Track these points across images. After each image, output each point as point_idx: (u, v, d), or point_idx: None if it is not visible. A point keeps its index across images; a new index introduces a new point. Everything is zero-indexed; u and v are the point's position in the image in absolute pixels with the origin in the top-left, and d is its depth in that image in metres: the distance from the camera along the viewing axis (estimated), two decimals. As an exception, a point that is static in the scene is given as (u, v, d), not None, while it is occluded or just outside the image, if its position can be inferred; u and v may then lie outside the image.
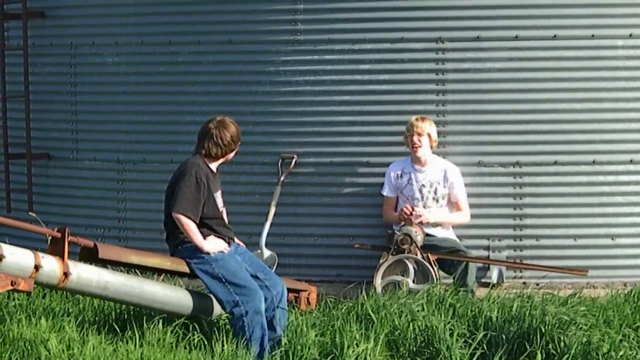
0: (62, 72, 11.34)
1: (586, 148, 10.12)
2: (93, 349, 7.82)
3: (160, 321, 8.31)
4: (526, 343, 7.90)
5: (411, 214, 9.65)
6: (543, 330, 7.91)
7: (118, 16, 11.00)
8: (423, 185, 9.88)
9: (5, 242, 7.64)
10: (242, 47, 10.51)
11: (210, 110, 9.95)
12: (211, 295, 8.56)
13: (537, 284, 9.94)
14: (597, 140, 10.12)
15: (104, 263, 8.32)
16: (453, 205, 9.95)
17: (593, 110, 10.12)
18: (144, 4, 10.92)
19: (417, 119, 9.83)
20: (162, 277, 9.06)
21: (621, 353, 7.57)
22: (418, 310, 8.48)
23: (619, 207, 10.15)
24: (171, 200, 8.47)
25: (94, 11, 11.15)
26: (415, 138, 9.77)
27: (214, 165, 8.67)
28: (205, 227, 8.48)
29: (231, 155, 8.75)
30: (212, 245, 8.46)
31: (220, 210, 8.71)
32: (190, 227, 8.37)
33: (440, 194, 9.90)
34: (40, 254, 7.69)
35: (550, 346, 7.80)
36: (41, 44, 11.46)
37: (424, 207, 9.88)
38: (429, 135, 9.82)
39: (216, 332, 8.38)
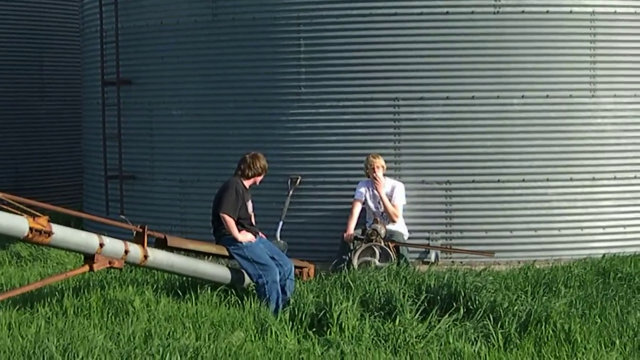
0: (143, 120, 11.35)
1: (493, 171, 10.09)
2: (164, 307, 7.91)
3: (209, 288, 8.40)
4: (453, 301, 7.90)
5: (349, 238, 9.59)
6: (464, 292, 7.94)
7: (181, 83, 10.99)
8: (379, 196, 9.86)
9: (104, 235, 7.75)
10: (264, 103, 10.47)
11: (243, 146, 9.91)
12: (243, 271, 8.55)
13: (461, 262, 9.93)
14: (500, 166, 10.09)
15: (171, 249, 8.34)
16: (394, 207, 9.82)
17: (498, 146, 10.10)
18: (200, 74, 10.86)
19: (373, 157, 9.78)
20: (210, 258, 8.97)
21: (516, 308, 7.57)
22: (382, 280, 8.46)
23: (515, 211, 10.11)
24: (218, 205, 8.45)
25: (164, 79, 11.14)
26: (376, 169, 9.73)
27: (246, 183, 8.65)
28: (239, 225, 8.48)
29: (259, 179, 8.72)
30: (244, 236, 8.46)
31: (250, 214, 8.68)
32: (231, 223, 8.37)
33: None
34: (128, 243, 7.77)
35: (469, 303, 7.82)
36: (129, 102, 11.47)
37: (380, 209, 9.80)
38: (382, 166, 9.82)
39: (246, 295, 8.42)
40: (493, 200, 10.13)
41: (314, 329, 7.47)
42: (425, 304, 7.92)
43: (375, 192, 9.83)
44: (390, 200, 9.81)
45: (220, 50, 10.68)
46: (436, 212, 10.17)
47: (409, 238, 9.96)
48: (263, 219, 9.59)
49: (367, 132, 10.23)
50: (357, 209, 9.86)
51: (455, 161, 10.14)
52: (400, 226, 9.90)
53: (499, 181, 10.13)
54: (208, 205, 8.84)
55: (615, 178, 10.32)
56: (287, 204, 10.28)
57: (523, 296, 8.06)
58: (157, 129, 11.26)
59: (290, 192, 10.31)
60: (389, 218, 9.80)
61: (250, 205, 8.71)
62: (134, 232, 8.02)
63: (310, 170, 10.37)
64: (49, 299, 8.16)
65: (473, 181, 10.13)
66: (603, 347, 6.96)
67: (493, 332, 7.20)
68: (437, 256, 10.08)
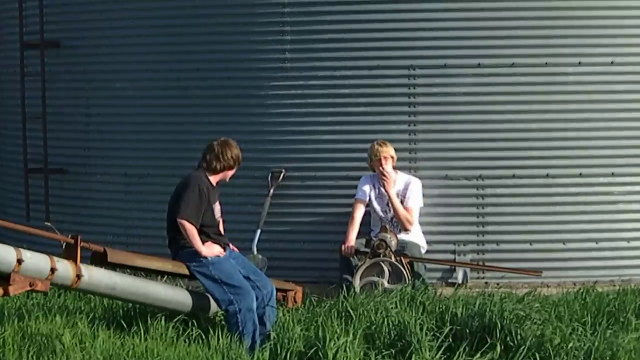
0: (76, 96, 11.32)
1: (540, 163, 10.11)
2: (103, 343, 7.82)
3: (163, 318, 8.32)
4: (487, 336, 7.85)
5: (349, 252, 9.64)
6: (502, 324, 7.89)
7: (127, 46, 10.98)
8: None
9: (24, 248, 7.61)
10: (237, 73, 10.49)
11: (209, 130, 10.00)
12: (208, 295, 8.50)
13: (497, 284, 9.90)
14: (550, 156, 10.11)
15: (113, 266, 8.25)
16: (407, 210, 9.83)
17: (547, 129, 10.11)
18: (153, 34, 10.87)
19: (379, 144, 9.81)
20: (164, 278, 8.97)
21: (570, 345, 7.53)
22: (392, 308, 8.45)
23: (569, 215, 10.13)
24: (175, 209, 8.41)
25: (104, 41, 11.10)
26: (383, 160, 9.74)
27: (213, 179, 8.61)
28: (203, 234, 8.43)
29: (230, 173, 8.69)
30: (209, 249, 8.41)
31: (217, 219, 8.66)
32: (192, 232, 8.32)
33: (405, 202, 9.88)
34: (56, 258, 7.65)
35: (508, 339, 7.76)
36: (57, 70, 11.43)
37: (389, 214, 9.86)
38: (392, 157, 9.82)
39: (212, 327, 8.34)
40: (540, 202, 10.14)
41: (303, 373, 7.46)
42: (450, 340, 7.90)
43: (383, 190, 9.81)
44: (402, 201, 9.81)
45: (180, 3, 10.76)
46: (464, 218, 10.20)
47: (427, 251, 9.98)
48: (235, 226, 9.62)
49: (371, 111, 10.25)
50: (359, 212, 9.85)
51: (489, 149, 10.15)
52: (416, 236, 9.92)
53: (547, 176, 10.14)
54: (162, 208, 8.82)
55: (703, 172, 10.42)
56: (266, 206, 10.27)
57: (580, 329, 8.04)
58: (95, 106, 11.23)
59: (271, 191, 10.31)
60: (401, 225, 9.80)
61: (217, 208, 8.68)
62: (64, 244, 7.91)
63: (298, 162, 10.40)
64: (-51, 333, 8.22)
65: (513, 176, 10.14)
66: (687, 397, 6.99)
67: (540, 377, 7.21)
68: (465, 275, 10.10)
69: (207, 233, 8.52)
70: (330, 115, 10.32)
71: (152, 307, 8.47)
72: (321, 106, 10.33)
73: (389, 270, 9.40)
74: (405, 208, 9.80)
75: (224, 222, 8.83)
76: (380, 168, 9.76)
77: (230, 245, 8.81)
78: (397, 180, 9.87)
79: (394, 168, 9.88)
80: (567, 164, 10.14)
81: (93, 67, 11.20)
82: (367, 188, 9.93)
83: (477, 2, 10.12)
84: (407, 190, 9.87)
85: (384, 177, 9.75)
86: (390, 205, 9.81)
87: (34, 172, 11.64)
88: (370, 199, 9.91)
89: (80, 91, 11.31)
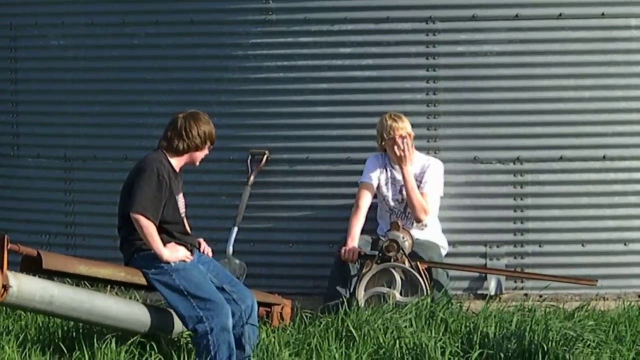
0: (0, 56, 11.29)
1: (596, 142, 10.11)
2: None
3: (113, 340, 8.29)
4: (527, 362, 7.90)
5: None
6: (546, 348, 7.90)
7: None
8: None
9: None
10: (205, 27, 10.51)
11: (170, 100, 10.22)
12: (171, 310, 8.45)
13: (540, 296, 9.93)
14: (608, 132, 10.11)
15: (49, 274, 8.26)
16: (423, 197, 9.82)
17: (604, 98, 10.09)
18: None
19: (391, 117, 9.76)
20: (115, 289, 9.04)
21: (634, 373, 7.60)
22: (406, 326, 8.52)
23: (633, 209, 10.15)
24: (128, 201, 8.33)
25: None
26: (398, 139, 9.67)
27: (177, 163, 8.54)
28: (164, 233, 8.35)
29: (199, 155, 8.61)
30: (173, 253, 8.32)
31: (182, 215, 8.63)
32: (150, 230, 8.23)
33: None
34: (-25, 265, 7.60)
35: (554, 366, 7.82)
36: (-25, 24, 11.41)
37: (402, 205, 9.85)
38: (409, 134, 9.75)
39: (177, 352, 8.35)
40: (594, 191, 10.15)
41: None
42: (481, 367, 7.95)
43: (396, 173, 9.79)
44: (417, 187, 9.78)
45: None
46: (498, 211, 10.23)
47: (448, 254, 10.04)
48: (205, 223, 9.79)
49: (380, 75, 10.25)
50: (366, 200, 9.84)
51: (530, 125, 10.17)
52: (434, 234, 9.95)
53: (604, 158, 10.14)
54: (112, 200, 8.89)
55: None
56: (245, 197, 10.25)
57: (648, 353, 8.00)
58: (25, 70, 11.24)
59: (252, 178, 10.30)
60: (413, 214, 9.83)
61: (182, 200, 8.65)
62: (-16, 246, 8.02)
63: (285, 141, 10.42)
64: None
65: (561, 158, 10.15)
66: None
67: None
68: (499, 285, 10.10)
69: (170, 232, 8.46)
70: (326, 81, 10.32)
71: (99, 325, 8.42)
72: (314, 69, 10.32)
73: (401, 278, 9.41)
74: (421, 194, 9.77)
75: (188, 217, 8.84)
76: (395, 146, 9.68)
77: (202, 243, 8.79)
78: (414, 162, 9.83)
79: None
80: (630, 142, 10.14)
81: (22, 20, 11.16)
82: (375, 170, 9.89)
83: None
84: (425, 175, 9.86)
85: (399, 150, 9.64)
86: (404, 192, 9.77)
87: (-52, 154, 11.60)
88: (379, 184, 9.89)
89: (5, 50, 11.27)
